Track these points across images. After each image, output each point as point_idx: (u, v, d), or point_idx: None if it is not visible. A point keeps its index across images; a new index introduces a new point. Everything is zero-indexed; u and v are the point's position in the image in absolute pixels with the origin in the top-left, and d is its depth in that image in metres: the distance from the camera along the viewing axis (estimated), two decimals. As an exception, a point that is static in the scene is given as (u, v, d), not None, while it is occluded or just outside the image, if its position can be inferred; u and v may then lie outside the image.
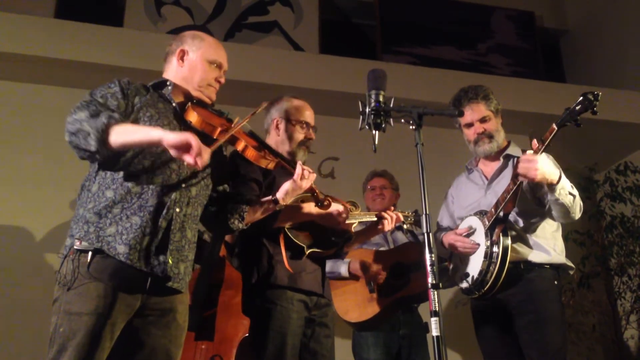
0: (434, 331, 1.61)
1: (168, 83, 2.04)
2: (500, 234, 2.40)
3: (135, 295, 1.79)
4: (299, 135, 2.47)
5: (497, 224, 2.43)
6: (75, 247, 1.77)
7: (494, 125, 2.62)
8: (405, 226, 2.84)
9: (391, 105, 1.85)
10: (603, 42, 6.00)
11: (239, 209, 2.11)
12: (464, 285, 2.54)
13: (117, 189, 1.80)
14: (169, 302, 1.87)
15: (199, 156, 1.67)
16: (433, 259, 1.67)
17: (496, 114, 2.63)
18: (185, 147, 1.67)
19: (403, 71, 4.94)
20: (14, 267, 3.88)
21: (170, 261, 1.83)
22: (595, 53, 6.08)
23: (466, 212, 2.65)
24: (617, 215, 5.01)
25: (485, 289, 2.42)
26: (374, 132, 1.84)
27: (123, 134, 1.72)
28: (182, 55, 2.06)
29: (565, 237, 4.95)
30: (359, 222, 2.55)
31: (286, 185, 2.13)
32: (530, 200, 2.47)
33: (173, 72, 2.07)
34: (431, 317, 1.62)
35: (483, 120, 2.61)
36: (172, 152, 1.70)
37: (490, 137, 2.61)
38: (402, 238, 3.34)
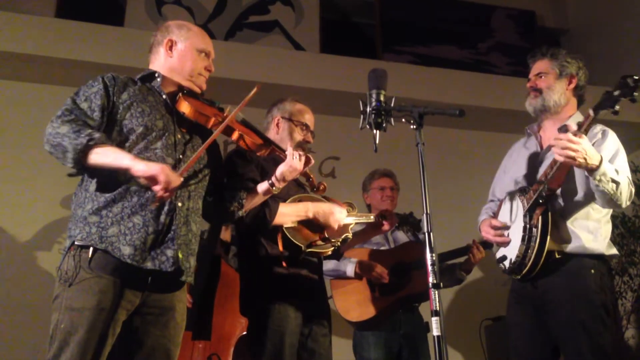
0: (435, 331, 1.61)
1: (157, 75, 2.00)
2: (540, 217, 2.25)
3: (136, 291, 1.79)
4: (298, 136, 2.49)
5: (538, 205, 2.27)
6: (76, 242, 1.76)
7: (548, 82, 2.44)
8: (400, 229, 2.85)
9: (392, 104, 1.85)
10: (603, 42, 5.99)
11: (237, 197, 2.11)
12: (501, 267, 2.43)
13: (116, 187, 1.79)
14: (168, 301, 1.87)
15: (167, 190, 1.71)
16: (434, 258, 1.67)
17: (560, 75, 2.45)
18: (153, 180, 1.70)
19: (404, 70, 4.94)
20: (11, 266, 3.89)
21: (180, 255, 1.83)
22: (596, 52, 6.07)
23: (514, 185, 2.48)
24: (618, 215, 5.00)
25: (524, 272, 2.29)
26: (374, 131, 1.84)
27: (97, 157, 1.74)
28: (171, 46, 2.03)
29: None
30: (356, 223, 2.55)
31: (281, 168, 2.13)
32: (583, 181, 2.28)
33: (161, 62, 2.04)
34: (432, 316, 1.62)
35: (538, 75, 2.48)
36: (142, 181, 1.74)
37: (538, 91, 2.45)
38: (402, 237, 3.34)
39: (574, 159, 2.07)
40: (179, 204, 1.87)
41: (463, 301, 4.39)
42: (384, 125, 1.84)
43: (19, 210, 4.06)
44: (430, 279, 1.64)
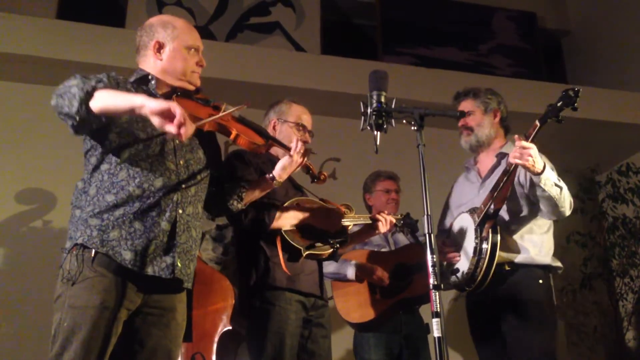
0: (436, 332, 1.61)
1: (150, 77, 1.97)
2: (490, 230, 2.41)
3: (137, 292, 1.79)
4: (295, 137, 2.47)
5: (487, 220, 2.43)
6: (78, 242, 1.75)
7: (477, 120, 2.66)
8: (398, 230, 2.85)
9: (393, 106, 1.85)
10: (604, 43, 5.99)
11: (237, 189, 2.10)
12: (453, 279, 2.54)
13: (118, 193, 1.78)
14: (169, 301, 1.87)
15: (183, 126, 1.59)
16: (435, 260, 1.67)
17: (486, 111, 2.67)
18: (169, 115, 1.59)
19: (404, 72, 4.94)
20: (14, 266, 3.89)
21: (179, 264, 1.82)
22: (597, 54, 6.07)
23: (460, 211, 2.66)
24: (619, 217, 5.01)
25: (475, 284, 2.43)
26: (375, 133, 1.84)
27: (105, 98, 1.65)
28: (159, 48, 1.98)
29: (567, 239, 4.93)
30: (354, 225, 2.56)
31: (282, 161, 2.14)
32: (522, 198, 2.47)
33: (151, 65, 1.99)
34: (432, 318, 1.62)
35: (467, 114, 2.66)
36: (155, 121, 1.61)
37: (470, 129, 2.66)
38: (402, 239, 3.33)
39: (525, 162, 2.22)
40: (180, 211, 1.85)
41: (464, 303, 4.38)
42: (384, 126, 1.84)
43: (19, 211, 4.06)
44: (431, 281, 1.64)
